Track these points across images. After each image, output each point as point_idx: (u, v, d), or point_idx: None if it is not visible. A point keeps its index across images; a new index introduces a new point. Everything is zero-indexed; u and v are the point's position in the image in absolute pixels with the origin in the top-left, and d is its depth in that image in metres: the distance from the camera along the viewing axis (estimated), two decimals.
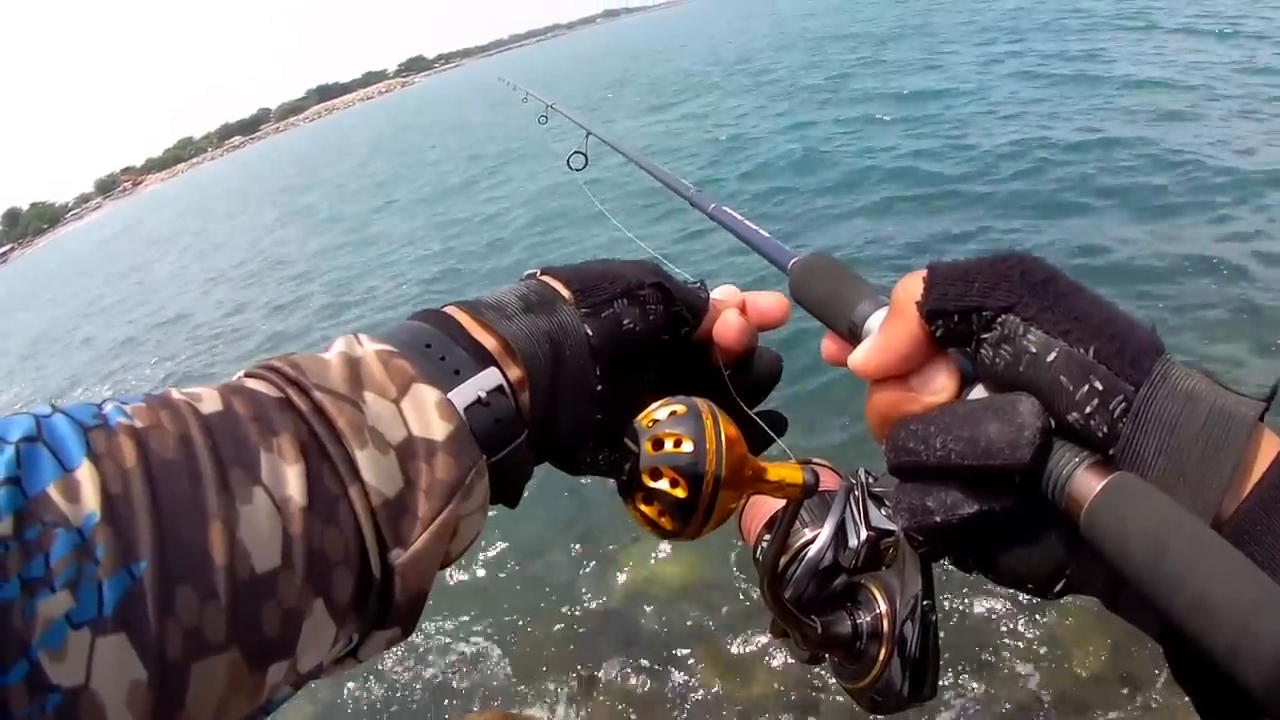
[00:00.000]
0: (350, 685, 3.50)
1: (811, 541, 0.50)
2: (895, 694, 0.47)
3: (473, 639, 3.57)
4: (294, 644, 0.38)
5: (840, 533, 0.50)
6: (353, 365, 0.44)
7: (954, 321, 0.38)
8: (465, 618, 3.72)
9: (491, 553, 4.06)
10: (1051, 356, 0.35)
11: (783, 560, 0.51)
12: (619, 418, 0.51)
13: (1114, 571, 0.34)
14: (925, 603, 0.49)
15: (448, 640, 3.61)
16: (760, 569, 0.50)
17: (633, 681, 3.10)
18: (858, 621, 0.49)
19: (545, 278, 0.54)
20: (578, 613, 3.52)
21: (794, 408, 4.21)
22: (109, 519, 0.33)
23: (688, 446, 0.42)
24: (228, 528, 0.36)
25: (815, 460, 0.56)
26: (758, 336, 0.57)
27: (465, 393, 0.46)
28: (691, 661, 3.12)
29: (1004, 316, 0.36)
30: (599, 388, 0.51)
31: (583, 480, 4.04)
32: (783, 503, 0.54)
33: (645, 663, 3.16)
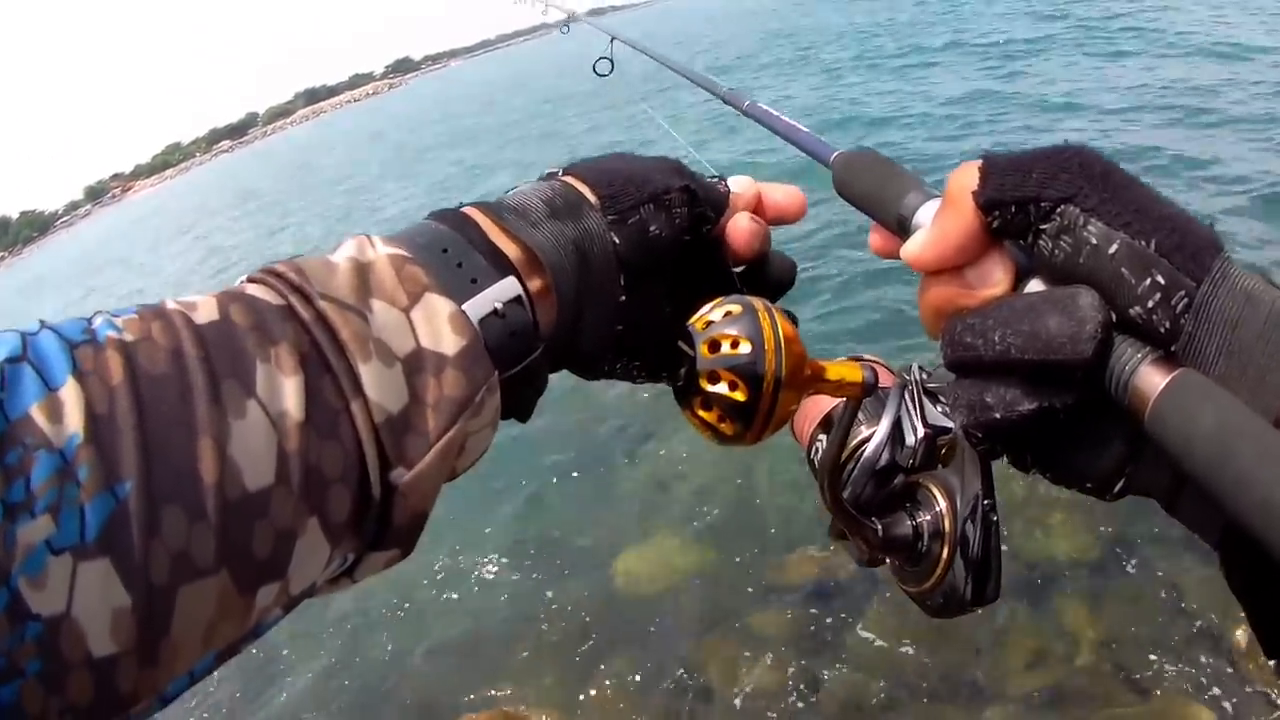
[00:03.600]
0: (346, 682, 3.47)
1: (867, 440, 0.49)
2: (959, 597, 0.46)
3: (470, 636, 3.54)
4: (285, 566, 0.37)
5: (896, 430, 0.48)
6: (362, 271, 0.42)
7: (1011, 213, 0.36)
8: (463, 612, 3.70)
9: (491, 545, 4.04)
10: (1113, 249, 0.34)
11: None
12: (638, 325, 0.51)
13: (1176, 471, 0.33)
14: (986, 502, 0.47)
15: (445, 637, 3.59)
16: (819, 470, 0.48)
17: (633, 676, 3.08)
18: (918, 521, 0.48)
19: (569, 179, 0.51)
20: (577, 607, 3.50)
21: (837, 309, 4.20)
22: (92, 439, 0.32)
23: (745, 348, 0.41)
24: (218, 444, 0.34)
25: (866, 357, 0.55)
26: (770, 239, 0.55)
27: (481, 304, 0.44)
28: (691, 653, 3.10)
29: (1063, 207, 0.35)
30: (622, 298, 0.50)
31: (587, 467, 4.01)
32: (834, 402, 0.53)
33: (646, 656, 3.14)
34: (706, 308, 0.44)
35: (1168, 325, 0.33)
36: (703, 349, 0.42)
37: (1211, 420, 0.30)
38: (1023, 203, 0.36)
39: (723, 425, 0.42)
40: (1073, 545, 3.14)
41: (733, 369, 0.41)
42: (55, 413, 0.32)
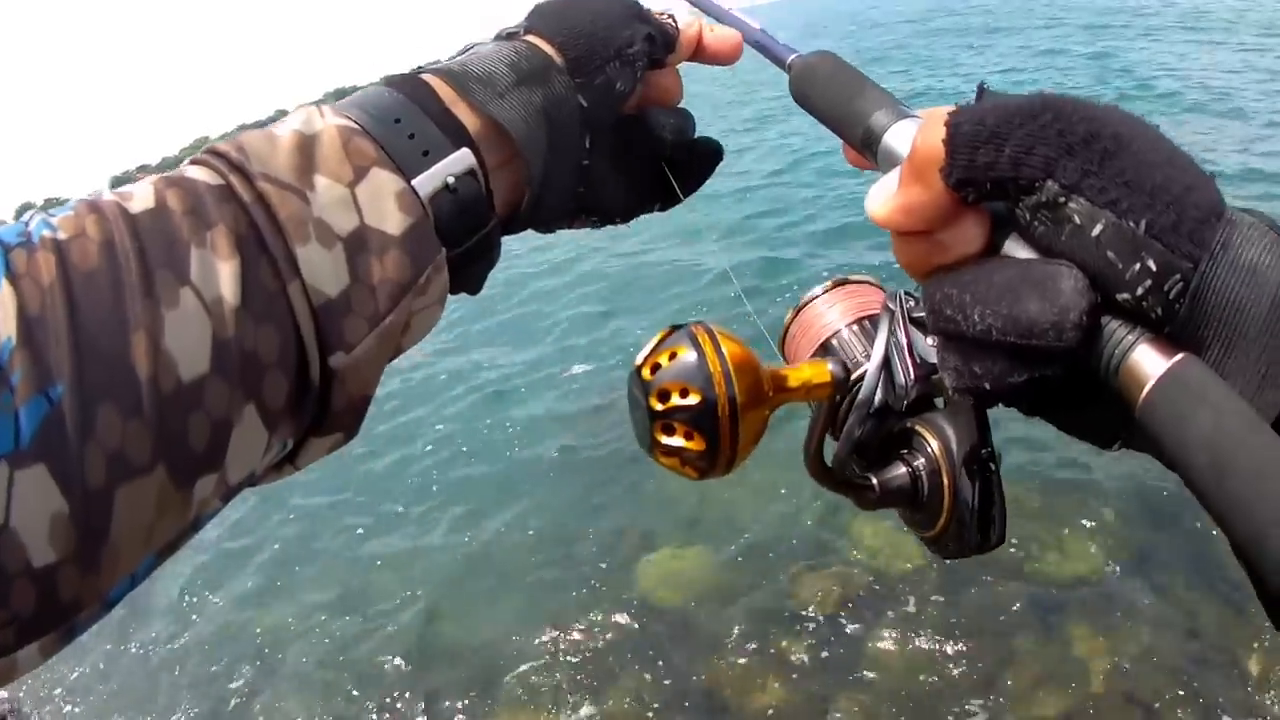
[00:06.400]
0: (355, 690, 3.44)
1: (860, 379, 0.45)
2: (967, 542, 0.44)
3: (481, 643, 3.52)
4: (223, 456, 0.37)
5: (887, 368, 0.45)
6: (306, 146, 0.41)
7: (985, 189, 0.33)
8: (472, 618, 3.68)
9: (506, 549, 4.02)
10: (1097, 230, 0.30)
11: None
12: (597, 181, 0.51)
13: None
14: (985, 450, 0.44)
15: (455, 643, 3.57)
16: (805, 453, 0.46)
17: (646, 690, 3.05)
18: (914, 466, 0.45)
19: (533, 39, 0.49)
20: (589, 618, 3.47)
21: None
22: (26, 343, 0.32)
23: (694, 399, 0.40)
24: (151, 337, 0.34)
25: (853, 276, 0.51)
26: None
27: (432, 178, 0.43)
28: (706, 669, 3.08)
29: (1042, 183, 0.31)
30: (585, 162, 0.49)
31: (599, 482, 3.95)
32: (827, 326, 0.50)
33: (660, 671, 3.12)
34: (648, 349, 0.43)
35: (1160, 311, 0.30)
36: (653, 401, 0.41)
37: (1207, 426, 0.28)
38: (997, 183, 0.32)
39: (687, 470, 0.42)
40: (1085, 567, 3.10)
41: (685, 420, 0.41)
42: None
